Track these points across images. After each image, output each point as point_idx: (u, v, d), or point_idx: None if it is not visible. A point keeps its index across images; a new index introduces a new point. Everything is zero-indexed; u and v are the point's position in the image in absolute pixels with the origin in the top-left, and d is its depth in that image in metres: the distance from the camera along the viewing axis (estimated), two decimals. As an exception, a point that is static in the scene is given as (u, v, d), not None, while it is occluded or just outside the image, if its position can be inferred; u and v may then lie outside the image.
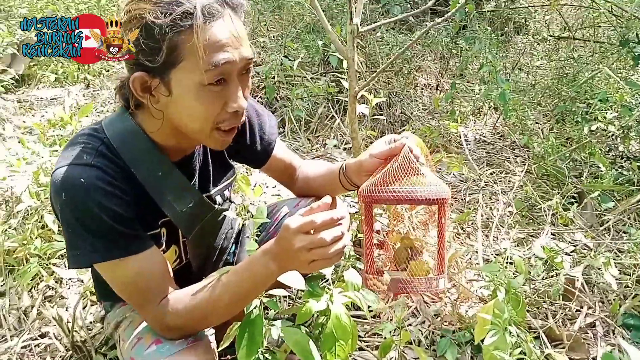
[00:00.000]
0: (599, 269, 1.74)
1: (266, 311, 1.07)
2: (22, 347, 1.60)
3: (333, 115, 3.18)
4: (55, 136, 2.42)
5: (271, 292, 1.07)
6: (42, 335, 1.64)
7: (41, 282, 1.79)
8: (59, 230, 1.88)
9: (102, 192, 0.98)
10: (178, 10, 0.91)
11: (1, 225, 1.86)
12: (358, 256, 1.50)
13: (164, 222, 1.17)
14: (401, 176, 1.05)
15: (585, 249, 2.07)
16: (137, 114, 1.09)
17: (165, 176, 1.10)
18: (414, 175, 1.06)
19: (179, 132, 1.06)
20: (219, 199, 1.31)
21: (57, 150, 2.19)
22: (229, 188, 1.37)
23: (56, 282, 1.82)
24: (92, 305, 1.73)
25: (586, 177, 2.53)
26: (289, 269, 1.01)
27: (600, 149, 2.72)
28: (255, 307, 1.07)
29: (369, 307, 1.20)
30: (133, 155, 1.06)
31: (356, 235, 1.88)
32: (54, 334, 1.63)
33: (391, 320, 1.68)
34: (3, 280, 1.80)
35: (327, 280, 1.41)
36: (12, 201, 1.96)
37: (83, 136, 1.06)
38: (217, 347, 1.12)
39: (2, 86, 3.11)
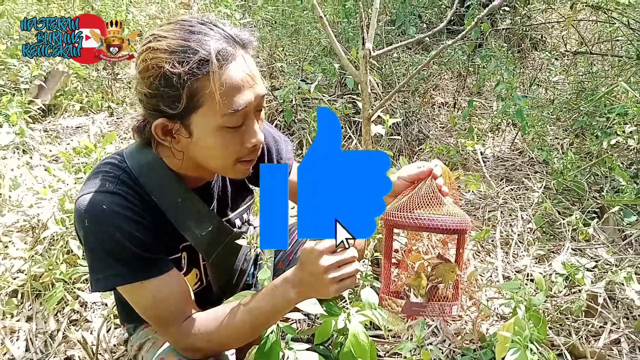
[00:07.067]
0: (622, 284, 1.71)
1: (283, 332, 1.09)
2: (48, 371, 1.64)
3: (350, 136, 3.21)
4: (80, 164, 2.49)
5: (288, 315, 1.09)
6: (68, 359, 1.68)
7: (67, 306, 1.83)
8: (83, 255, 1.92)
9: (123, 217, 1.03)
10: (194, 59, 0.94)
11: (28, 251, 1.92)
12: (376, 275, 1.51)
13: (185, 247, 1.21)
14: (425, 203, 1.08)
15: (607, 265, 2.04)
16: (158, 147, 1.12)
17: (184, 203, 1.14)
18: (438, 204, 1.07)
19: (201, 166, 1.10)
20: (237, 222, 1.34)
21: (81, 178, 2.25)
22: (248, 211, 1.40)
23: (81, 305, 1.86)
24: (115, 328, 1.76)
25: (607, 192, 2.50)
26: (311, 294, 1.02)
27: (622, 163, 2.69)
28: (272, 332, 1.09)
29: (387, 326, 1.20)
30: (153, 184, 1.10)
31: (372, 255, 1.88)
32: (79, 356, 1.67)
33: (411, 339, 1.67)
34: (30, 304, 1.85)
35: (345, 299, 1.41)
36: (39, 228, 2.02)
37: (105, 165, 1.11)
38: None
39: (30, 117, 3.21)
